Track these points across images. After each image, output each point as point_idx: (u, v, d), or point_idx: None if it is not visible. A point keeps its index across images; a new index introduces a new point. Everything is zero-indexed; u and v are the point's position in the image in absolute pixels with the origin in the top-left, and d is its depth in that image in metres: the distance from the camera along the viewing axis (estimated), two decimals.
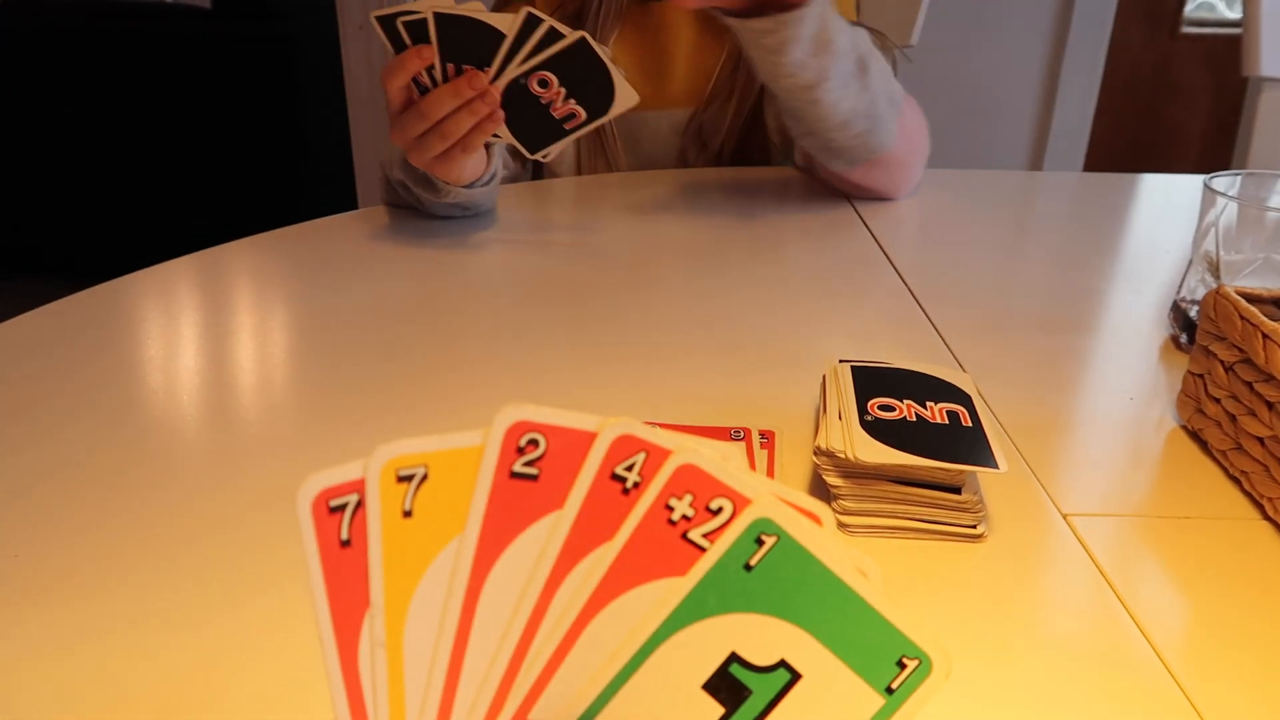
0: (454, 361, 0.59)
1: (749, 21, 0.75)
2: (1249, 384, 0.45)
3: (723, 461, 0.22)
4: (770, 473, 0.45)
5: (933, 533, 0.42)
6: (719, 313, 0.67)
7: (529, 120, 0.71)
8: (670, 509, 0.23)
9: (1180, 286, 0.65)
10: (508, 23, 0.67)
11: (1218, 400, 0.48)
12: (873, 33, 1.02)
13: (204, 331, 0.63)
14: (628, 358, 0.60)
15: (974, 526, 0.42)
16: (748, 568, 0.23)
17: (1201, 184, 0.61)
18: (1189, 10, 1.97)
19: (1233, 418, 0.47)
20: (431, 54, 0.68)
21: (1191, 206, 0.64)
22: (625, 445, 0.22)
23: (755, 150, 1.05)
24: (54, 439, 0.49)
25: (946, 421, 0.43)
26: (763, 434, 0.47)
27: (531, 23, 0.67)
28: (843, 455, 0.42)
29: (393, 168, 0.81)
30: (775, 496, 0.22)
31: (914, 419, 0.43)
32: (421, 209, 0.83)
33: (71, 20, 2.58)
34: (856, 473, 0.42)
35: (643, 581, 0.23)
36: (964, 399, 0.45)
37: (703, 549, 0.23)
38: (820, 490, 0.44)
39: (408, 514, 0.22)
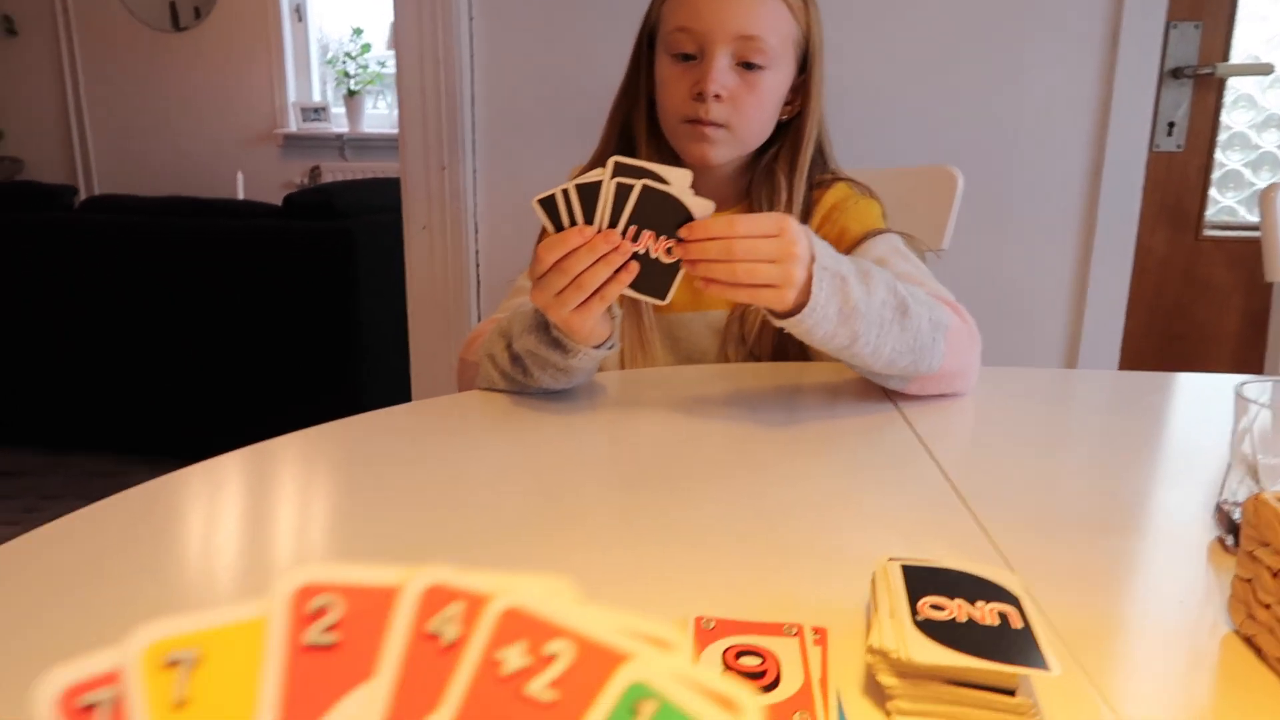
0: (499, 553, 0.61)
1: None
2: None
3: (552, 598, 0.20)
4: (824, 670, 0.45)
5: None
6: (765, 508, 0.69)
7: (643, 274, 0.78)
8: (499, 662, 0.19)
9: (1222, 488, 0.66)
10: (605, 182, 0.75)
11: (1268, 606, 0.48)
12: (903, 236, 1.08)
13: (256, 525, 0.66)
14: (675, 550, 0.62)
15: None
16: None
17: (1233, 389, 0.63)
18: (1210, 214, 2.05)
19: None
20: (591, 233, 0.76)
21: (1227, 406, 0.65)
22: (437, 596, 0.20)
23: (792, 347, 1.09)
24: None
25: (997, 623, 0.44)
26: (815, 630, 0.48)
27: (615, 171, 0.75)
28: (895, 655, 0.42)
29: (519, 337, 0.87)
30: (642, 639, 0.19)
31: (964, 620, 0.44)
32: (527, 383, 0.89)
33: (151, 215, 2.79)
34: (910, 673, 0.43)
35: None
36: (1013, 600, 0.46)
37: (547, 703, 0.19)
38: (874, 688, 0.44)
39: (181, 704, 0.19)
